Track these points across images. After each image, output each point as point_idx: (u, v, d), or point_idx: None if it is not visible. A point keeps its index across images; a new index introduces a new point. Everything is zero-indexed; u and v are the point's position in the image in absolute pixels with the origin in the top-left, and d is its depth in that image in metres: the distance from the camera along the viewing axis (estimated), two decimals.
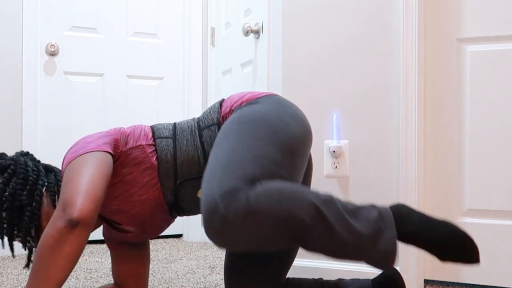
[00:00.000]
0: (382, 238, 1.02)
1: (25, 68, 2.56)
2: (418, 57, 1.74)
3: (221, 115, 1.27)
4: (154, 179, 1.24)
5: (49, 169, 1.33)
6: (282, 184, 1.02)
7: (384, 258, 1.02)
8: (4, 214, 1.22)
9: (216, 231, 0.96)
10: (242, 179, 1.00)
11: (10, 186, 1.22)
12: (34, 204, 1.22)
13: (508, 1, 1.74)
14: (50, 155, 2.64)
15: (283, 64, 1.93)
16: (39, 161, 1.34)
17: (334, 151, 1.84)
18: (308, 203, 1.00)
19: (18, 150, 2.54)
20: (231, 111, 1.26)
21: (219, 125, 1.26)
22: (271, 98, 1.24)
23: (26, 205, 1.22)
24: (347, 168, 1.85)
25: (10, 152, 2.52)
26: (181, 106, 2.91)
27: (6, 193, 1.21)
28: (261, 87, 2.22)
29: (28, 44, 2.57)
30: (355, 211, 1.05)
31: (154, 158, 1.25)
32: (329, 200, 1.04)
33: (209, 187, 1.00)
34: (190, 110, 2.85)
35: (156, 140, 1.27)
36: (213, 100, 2.85)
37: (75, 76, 2.71)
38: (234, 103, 1.28)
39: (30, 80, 2.58)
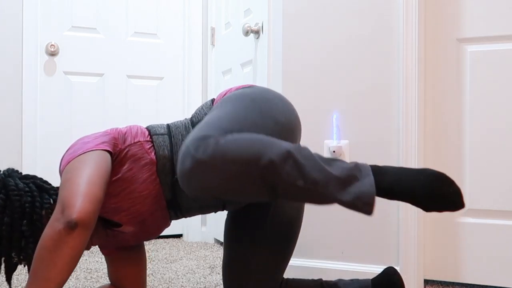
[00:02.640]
0: (358, 182, 1.01)
1: (25, 68, 2.56)
2: (418, 57, 1.74)
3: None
4: (153, 174, 1.24)
5: (40, 187, 1.25)
6: (256, 134, 1.04)
7: (360, 199, 1.00)
8: (4, 241, 1.17)
9: (187, 172, 0.98)
10: (216, 130, 1.03)
11: (7, 216, 1.16)
12: (36, 230, 1.17)
13: (508, 1, 1.74)
14: (50, 155, 2.63)
15: (283, 64, 1.93)
16: (25, 176, 1.26)
17: (334, 151, 1.84)
18: (279, 146, 1.01)
19: (19, 150, 2.54)
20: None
21: None
22: (256, 86, 1.30)
23: (28, 236, 1.17)
24: None
25: (11, 152, 2.51)
26: (181, 106, 2.91)
27: (4, 225, 1.15)
28: None
29: (28, 44, 2.57)
30: (331, 160, 1.04)
31: (153, 154, 1.25)
32: (304, 147, 1.04)
33: (184, 141, 1.03)
34: (190, 110, 2.85)
35: (153, 136, 1.27)
36: None
37: (75, 76, 2.71)
38: (224, 95, 1.31)
39: (30, 80, 2.57)
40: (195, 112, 1.35)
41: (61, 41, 2.68)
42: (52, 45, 2.63)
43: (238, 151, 0.98)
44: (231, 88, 1.33)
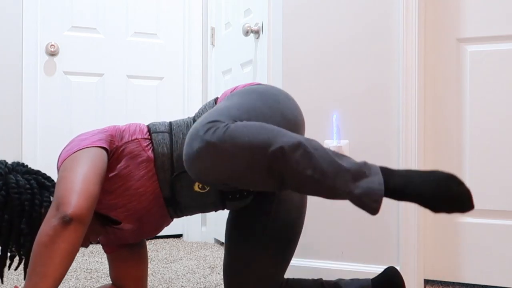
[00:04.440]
0: (368, 178, 1.00)
1: (25, 68, 2.56)
2: (418, 57, 1.74)
3: None
4: (150, 171, 1.24)
5: (41, 184, 1.27)
6: (266, 123, 1.04)
7: (368, 195, 0.99)
8: (3, 238, 1.20)
9: (194, 154, 0.99)
10: (225, 116, 1.03)
11: (7, 213, 1.19)
12: (34, 230, 1.20)
13: (508, 1, 1.74)
14: (50, 155, 2.64)
15: (283, 64, 1.93)
16: (28, 170, 1.29)
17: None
18: (290, 135, 1.01)
19: (18, 150, 2.54)
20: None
21: None
22: (263, 84, 1.29)
23: (26, 234, 1.20)
24: None
25: (10, 151, 2.52)
26: (181, 106, 2.91)
27: (4, 222, 1.18)
28: None
29: (28, 44, 2.57)
30: (341, 155, 1.04)
31: (150, 151, 1.25)
32: (314, 140, 1.04)
33: (194, 125, 1.03)
34: (190, 110, 2.85)
35: (152, 134, 1.27)
36: None
37: (75, 76, 2.71)
38: (230, 92, 1.30)
39: (30, 80, 2.57)
40: (198, 111, 1.34)
41: (61, 41, 2.68)
42: (52, 45, 2.63)
43: (248, 136, 0.98)
44: (237, 86, 1.33)
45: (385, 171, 1.03)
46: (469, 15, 1.78)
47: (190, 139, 1.00)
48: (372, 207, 1.00)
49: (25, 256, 1.23)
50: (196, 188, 1.27)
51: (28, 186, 1.22)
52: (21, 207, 1.19)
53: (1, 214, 1.19)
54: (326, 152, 1.02)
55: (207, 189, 1.27)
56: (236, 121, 1.02)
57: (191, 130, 1.02)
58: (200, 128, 0.99)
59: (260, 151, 0.98)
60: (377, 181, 1.00)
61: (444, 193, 0.98)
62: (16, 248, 1.22)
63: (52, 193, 1.27)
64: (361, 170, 1.02)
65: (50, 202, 1.24)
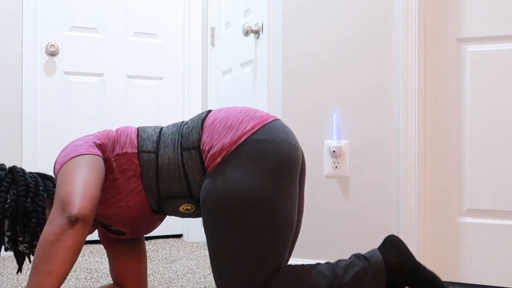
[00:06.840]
0: None
1: (25, 68, 2.56)
2: (418, 57, 1.74)
3: (201, 141, 1.23)
4: (139, 186, 1.26)
5: (44, 176, 1.34)
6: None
7: None
8: (7, 221, 1.23)
9: None
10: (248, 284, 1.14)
11: (12, 194, 1.23)
12: (39, 209, 1.24)
13: (508, 1, 1.74)
14: (50, 155, 2.63)
15: (283, 64, 1.93)
16: (31, 172, 1.35)
17: (334, 151, 1.84)
18: None
19: (19, 150, 2.54)
20: (209, 154, 1.21)
21: (198, 149, 1.24)
22: (256, 145, 1.19)
23: (31, 212, 1.23)
24: (347, 168, 1.85)
25: (10, 152, 2.52)
26: (181, 106, 2.91)
27: (9, 201, 1.22)
28: (261, 87, 2.22)
29: (28, 44, 2.57)
30: (352, 283, 1.16)
31: (139, 168, 1.27)
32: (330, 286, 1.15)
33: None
34: (190, 110, 2.85)
35: (139, 154, 1.27)
36: (213, 100, 2.85)
37: (75, 76, 2.71)
38: (216, 141, 1.22)
39: (30, 80, 2.57)
40: (186, 131, 1.27)
41: (61, 41, 2.68)
42: (52, 45, 2.63)
43: None
44: (226, 134, 1.21)
45: (391, 274, 1.18)
46: (469, 15, 1.78)
47: None
48: None
49: (29, 239, 1.25)
50: (182, 209, 1.30)
51: (31, 176, 1.29)
52: (26, 187, 1.24)
53: (5, 196, 1.22)
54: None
55: (192, 210, 1.29)
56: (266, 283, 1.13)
57: None
58: None
59: None
60: None
61: None
62: (21, 228, 1.24)
63: (54, 181, 1.31)
64: None
65: (53, 191, 1.27)
